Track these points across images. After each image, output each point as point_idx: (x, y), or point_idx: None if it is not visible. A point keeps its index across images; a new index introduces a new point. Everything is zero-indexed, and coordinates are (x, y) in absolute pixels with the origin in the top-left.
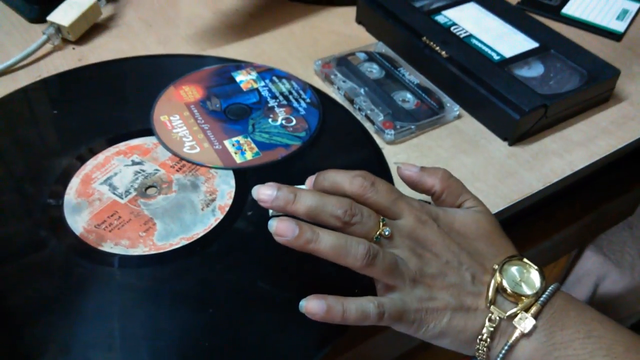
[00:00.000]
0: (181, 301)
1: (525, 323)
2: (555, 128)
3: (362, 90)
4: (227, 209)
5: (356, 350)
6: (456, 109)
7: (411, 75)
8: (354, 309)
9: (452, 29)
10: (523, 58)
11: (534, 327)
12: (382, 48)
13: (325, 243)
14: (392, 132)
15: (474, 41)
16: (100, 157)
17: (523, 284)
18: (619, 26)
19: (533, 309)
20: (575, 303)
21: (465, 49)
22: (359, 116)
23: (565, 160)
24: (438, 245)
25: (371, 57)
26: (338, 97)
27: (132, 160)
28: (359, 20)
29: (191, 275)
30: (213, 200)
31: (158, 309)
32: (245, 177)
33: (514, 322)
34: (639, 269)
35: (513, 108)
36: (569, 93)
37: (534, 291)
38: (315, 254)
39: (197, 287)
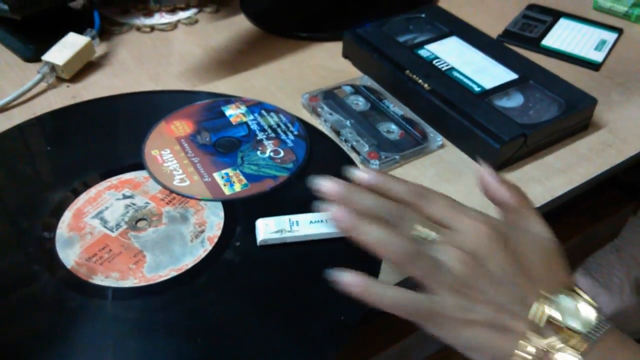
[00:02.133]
0: (171, 331)
1: (566, 356)
2: (536, 156)
3: (348, 122)
4: (215, 240)
5: None
6: (439, 139)
7: (395, 107)
8: (390, 292)
9: (434, 62)
10: (503, 89)
11: None
12: (368, 81)
13: (372, 234)
14: (377, 162)
15: (455, 74)
16: (92, 191)
17: (574, 317)
18: (597, 56)
19: (579, 345)
20: (630, 343)
21: (447, 82)
22: (345, 147)
23: (545, 187)
24: (495, 262)
25: (357, 90)
26: (325, 129)
27: (123, 194)
28: (345, 55)
29: (181, 306)
30: (202, 231)
31: (148, 340)
32: (234, 209)
33: (554, 355)
34: (628, 292)
35: (493, 137)
36: (547, 122)
37: (585, 328)
38: (360, 242)
39: (187, 317)
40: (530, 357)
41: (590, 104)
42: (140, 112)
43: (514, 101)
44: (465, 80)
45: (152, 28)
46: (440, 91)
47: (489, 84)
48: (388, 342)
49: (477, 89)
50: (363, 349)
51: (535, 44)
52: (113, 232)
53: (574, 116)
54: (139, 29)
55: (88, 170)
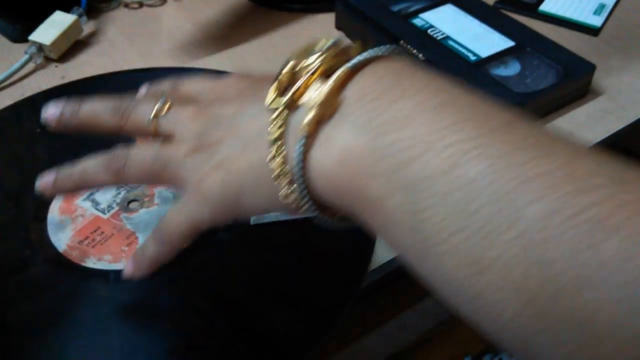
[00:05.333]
0: (165, 313)
1: (313, 93)
2: None
3: None
4: None
5: (347, 350)
6: None
7: None
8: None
9: (429, 31)
10: (499, 57)
11: (331, 98)
12: None
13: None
14: None
15: (450, 43)
16: None
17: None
18: (596, 21)
19: (326, 73)
20: (424, 70)
21: (443, 51)
22: None
23: None
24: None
25: None
26: None
27: None
28: (339, 26)
29: (174, 287)
30: None
31: (142, 322)
32: None
33: (301, 103)
34: None
35: None
36: (545, 90)
37: (319, 48)
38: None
39: (180, 298)
40: (279, 134)
41: (589, 70)
42: (131, 91)
43: (510, 69)
44: (460, 49)
45: (141, 4)
46: (435, 61)
47: (485, 53)
48: (385, 318)
49: (473, 57)
50: (360, 325)
51: (533, 10)
52: (105, 214)
53: (572, 83)
54: (127, 5)
55: (80, 152)
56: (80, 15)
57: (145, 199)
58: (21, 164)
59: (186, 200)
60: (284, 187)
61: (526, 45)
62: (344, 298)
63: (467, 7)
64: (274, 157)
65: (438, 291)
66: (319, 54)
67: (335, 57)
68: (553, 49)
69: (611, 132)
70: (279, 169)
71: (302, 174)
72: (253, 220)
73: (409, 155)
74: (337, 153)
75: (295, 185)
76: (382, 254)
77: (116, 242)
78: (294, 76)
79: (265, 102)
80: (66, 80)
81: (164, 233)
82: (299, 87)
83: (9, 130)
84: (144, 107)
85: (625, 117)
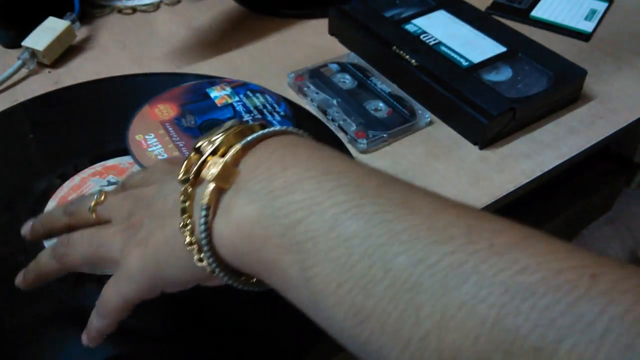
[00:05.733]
0: (164, 307)
1: (212, 168)
2: (525, 130)
3: (334, 101)
4: None
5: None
6: (427, 116)
7: (383, 84)
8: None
9: (421, 37)
10: (491, 63)
11: (228, 172)
12: (355, 59)
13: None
14: (365, 141)
15: (443, 48)
16: (76, 178)
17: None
18: (587, 26)
19: (225, 150)
20: (310, 143)
21: (435, 57)
22: (332, 127)
23: (535, 162)
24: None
25: (343, 67)
26: (311, 109)
27: (108, 181)
28: (332, 32)
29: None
30: None
31: (140, 319)
32: None
33: (203, 177)
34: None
35: (481, 113)
36: (536, 95)
37: (222, 129)
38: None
39: (183, 297)
40: (186, 206)
41: (580, 75)
42: (124, 96)
43: (502, 75)
44: (453, 54)
45: (134, 9)
46: (427, 67)
47: (477, 58)
48: None
49: (465, 63)
50: None
51: (524, 15)
52: None
53: (564, 88)
54: (120, 10)
55: (72, 157)
56: (73, 21)
57: None
58: (15, 169)
59: (116, 277)
60: (195, 254)
61: (518, 50)
62: None
63: (459, 13)
64: (185, 225)
65: (338, 340)
66: (221, 134)
67: (235, 136)
68: (545, 54)
69: (603, 137)
70: (190, 238)
71: (208, 242)
72: None
73: (295, 218)
74: (235, 220)
75: (203, 253)
76: None
77: None
78: (200, 155)
79: (178, 180)
80: (59, 86)
81: (101, 308)
82: (202, 163)
83: (2, 136)
84: (86, 200)
85: (616, 122)
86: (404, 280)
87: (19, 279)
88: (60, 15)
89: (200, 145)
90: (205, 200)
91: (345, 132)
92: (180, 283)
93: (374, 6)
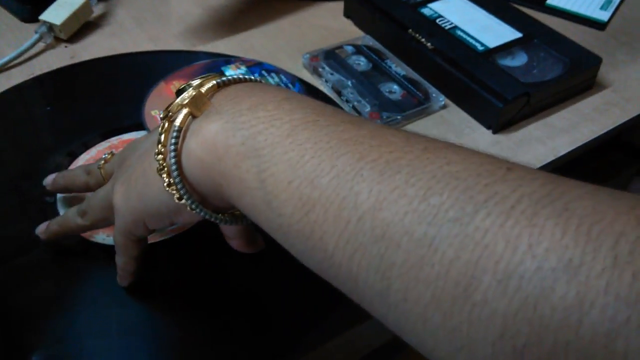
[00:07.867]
0: (173, 288)
1: (186, 94)
2: (539, 115)
3: (349, 83)
4: None
5: (341, 339)
6: (441, 99)
7: (397, 67)
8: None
9: (437, 21)
10: (507, 48)
11: (200, 99)
12: (370, 41)
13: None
14: (379, 122)
15: (459, 32)
16: (92, 151)
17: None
18: (603, 15)
19: (201, 86)
20: (280, 87)
21: (450, 41)
22: (346, 107)
23: (548, 147)
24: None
25: (358, 50)
26: (326, 90)
27: None
28: (347, 15)
29: (182, 264)
30: None
31: (151, 297)
32: None
33: (179, 102)
34: None
35: (496, 97)
36: (551, 81)
37: (204, 75)
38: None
39: (186, 274)
40: (163, 139)
41: (595, 63)
42: (140, 72)
43: (517, 60)
44: (468, 39)
45: None
46: (443, 50)
47: (492, 43)
48: None
49: (480, 47)
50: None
51: (540, 3)
52: None
53: (578, 75)
54: None
55: (88, 130)
56: None
57: None
58: (31, 142)
59: (115, 217)
60: (165, 178)
61: (533, 37)
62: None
63: None
64: (158, 153)
65: (283, 243)
66: (202, 78)
67: (213, 77)
68: (560, 41)
69: (615, 125)
70: (162, 163)
71: (176, 162)
72: None
73: (256, 130)
74: (202, 137)
75: (172, 178)
76: None
77: None
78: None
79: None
80: (75, 60)
81: (115, 247)
82: (179, 101)
83: (19, 109)
84: (97, 162)
85: (629, 110)
86: (347, 172)
87: (42, 229)
88: None
89: (183, 88)
90: (177, 122)
91: (360, 113)
92: (156, 214)
93: None
